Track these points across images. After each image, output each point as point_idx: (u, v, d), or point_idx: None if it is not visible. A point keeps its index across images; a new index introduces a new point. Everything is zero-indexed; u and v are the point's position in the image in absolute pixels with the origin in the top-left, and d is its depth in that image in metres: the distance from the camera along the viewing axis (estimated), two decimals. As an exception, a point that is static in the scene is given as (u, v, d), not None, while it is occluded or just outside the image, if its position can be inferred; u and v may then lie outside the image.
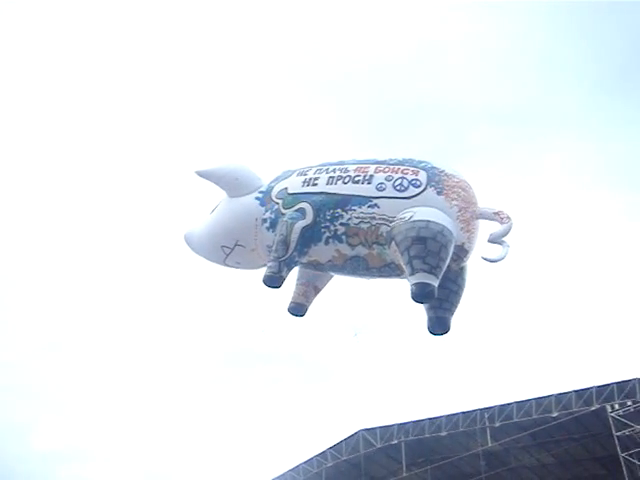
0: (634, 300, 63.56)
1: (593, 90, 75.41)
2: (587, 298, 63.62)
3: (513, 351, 61.79)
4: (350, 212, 12.52)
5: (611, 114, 71.72)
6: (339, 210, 12.63)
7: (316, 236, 12.83)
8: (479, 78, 70.67)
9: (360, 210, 12.44)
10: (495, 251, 12.20)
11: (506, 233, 12.20)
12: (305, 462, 38.52)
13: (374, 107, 76.77)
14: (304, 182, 13.32)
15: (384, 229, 12.21)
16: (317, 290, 14.12)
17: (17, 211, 72.23)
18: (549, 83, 72.01)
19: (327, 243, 12.78)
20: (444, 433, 34.94)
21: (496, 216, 12.35)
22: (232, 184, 13.89)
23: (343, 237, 12.60)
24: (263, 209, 13.48)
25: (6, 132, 70.87)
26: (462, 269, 12.78)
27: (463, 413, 34.89)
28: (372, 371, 18.07)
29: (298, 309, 13.99)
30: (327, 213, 12.77)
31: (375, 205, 12.35)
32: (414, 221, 11.90)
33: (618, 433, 30.59)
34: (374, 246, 12.41)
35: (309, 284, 14.05)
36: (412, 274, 11.87)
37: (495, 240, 12.22)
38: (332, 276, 13.91)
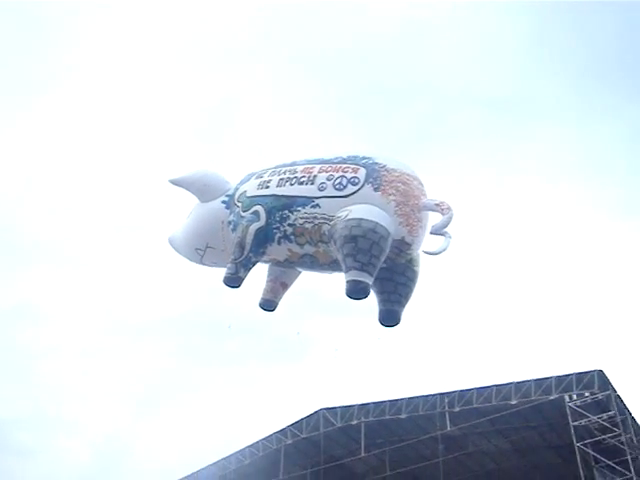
0: (601, 292, 64.18)
1: (578, 79, 75.27)
2: (554, 289, 64.07)
3: (476, 338, 61.93)
4: (295, 213, 12.96)
5: (594, 103, 71.74)
6: (286, 211, 13.10)
7: (269, 237, 13.36)
8: (463, 61, 70.01)
9: (304, 210, 12.87)
10: (438, 243, 12.40)
11: (447, 224, 12.31)
12: (264, 438, 38.48)
13: (357, 86, 75.98)
14: (259, 185, 13.89)
15: (325, 228, 12.58)
16: (285, 286, 14.73)
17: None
18: (533, 70, 71.70)
19: (279, 243, 13.31)
20: (404, 416, 35.07)
21: (437, 207, 12.46)
22: (201, 190, 14.68)
23: (292, 237, 13.10)
24: (228, 212, 14.16)
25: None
26: (410, 261, 13.00)
27: (424, 397, 35.10)
28: (337, 351, 19.17)
29: (267, 304, 14.72)
30: (276, 215, 13.24)
31: (317, 205, 12.74)
32: (348, 220, 12.19)
33: (575, 423, 30.89)
34: (319, 244, 12.83)
35: (277, 280, 14.67)
36: (345, 272, 12.31)
37: (437, 232, 12.41)
38: (299, 272, 14.46)
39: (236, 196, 14.21)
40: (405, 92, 77.76)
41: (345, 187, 12.59)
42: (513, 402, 32.69)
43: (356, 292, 12.23)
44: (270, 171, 13.96)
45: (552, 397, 31.90)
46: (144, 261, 64.43)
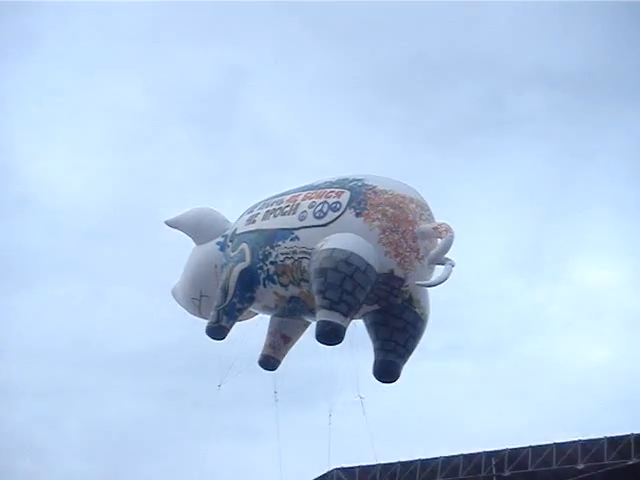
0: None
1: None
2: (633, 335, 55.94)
3: (534, 383, 48.42)
4: (276, 248, 12.48)
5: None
6: (268, 247, 12.64)
7: (255, 278, 12.87)
8: (530, 33, 56.95)
9: (284, 245, 12.36)
10: (438, 272, 11.64)
11: (446, 249, 11.30)
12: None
13: (403, 60, 62.10)
14: (248, 220, 13.59)
15: (305, 263, 11.99)
16: (287, 339, 14.05)
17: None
18: (616, 44, 58.44)
19: (265, 285, 12.79)
20: (440, 480, 30.11)
21: (435, 232, 11.60)
22: (195, 230, 14.48)
23: (275, 277, 12.59)
24: (222, 254, 13.77)
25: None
26: (409, 301, 12.07)
27: (464, 456, 30.58)
28: (359, 397, 14.72)
29: (266, 362, 13.99)
30: (259, 252, 12.79)
31: (296, 237, 12.24)
32: (320, 251, 11.62)
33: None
34: (302, 284, 12.19)
35: (276, 333, 14.02)
36: (316, 312, 11.76)
37: (436, 260, 11.44)
38: (304, 324, 13.61)
39: (229, 235, 13.87)
40: (455, 69, 62.82)
41: (325, 214, 11.95)
42: (580, 467, 28.09)
43: (324, 335, 11.44)
44: (261, 204, 13.63)
45: (631, 462, 27.34)
46: (119, 282, 55.55)
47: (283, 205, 12.75)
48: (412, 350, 12.05)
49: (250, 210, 13.63)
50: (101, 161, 63.51)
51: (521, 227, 56.76)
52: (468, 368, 46.76)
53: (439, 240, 11.46)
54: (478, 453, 30.29)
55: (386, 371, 12.02)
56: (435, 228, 11.48)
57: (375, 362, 12.06)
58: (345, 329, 11.35)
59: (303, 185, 13.05)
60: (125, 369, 48.39)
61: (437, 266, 11.61)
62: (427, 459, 31.36)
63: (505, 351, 51.94)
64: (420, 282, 11.46)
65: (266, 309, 13.39)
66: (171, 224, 14.75)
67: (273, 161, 57.08)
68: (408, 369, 12.74)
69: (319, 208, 12.01)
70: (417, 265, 11.41)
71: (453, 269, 11.13)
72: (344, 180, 12.33)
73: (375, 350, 12.09)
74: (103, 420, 47.08)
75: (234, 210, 15.39)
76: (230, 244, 13.41)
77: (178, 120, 63.70)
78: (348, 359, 13.19)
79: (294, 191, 13.01)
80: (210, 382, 15.63)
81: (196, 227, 14.23)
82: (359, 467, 32.07)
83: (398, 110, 59.24)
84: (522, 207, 57.93)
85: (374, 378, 12.14)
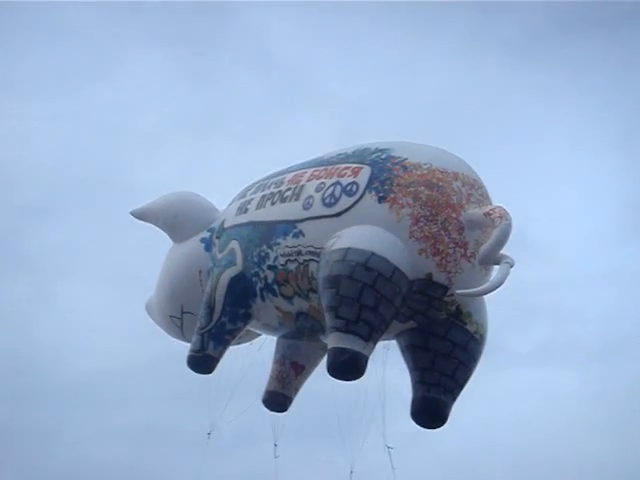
0: None
1: None
2: None
3: None
4: (275, 247, 10.36)
5: None
6: (264, 247, 10.50)
7: (250, 289, 10.66)
8: None
9: (285, 243, 10.22)
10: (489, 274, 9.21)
11: (501, 243, 8.76)
12: None
13: None
14: (239, 209, 11.40)
15: (313, 267, 9.71)
16: (299, 369, 11.83)
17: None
18: None
19: (263, 298, 10.64)
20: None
21: (487, 218, 8.97)
22: (171, 223, 12.06)
23: (275, 287, 10.43)
24: (209, 255, 11.52)
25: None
26: (457, 315, 9.62)
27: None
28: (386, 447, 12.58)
29: (272, 401, 11.84)
30: (254, 254, 10.63)
31: (300, 233, 10.03)
32: (331, 252, 9.32)
33: None
34: (311, 295, 9.95)
35: (284, 361, 11.94)
36: (328, 336, 9.29)
37: (487, 259, 8.93)
38: (323, 346, 10.61)
39: (216, 229, 11.69)
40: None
41: (337, 200, 9.76)
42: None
43: (338, 367, 9.11)
44: (257, 185, 11.48)
45: None
46: (70, 277, 38.16)
47: (283, 188, 10.54)
48: (464, 383, 9.89)
49: (242, 195, 11.40)
50: (38, 102, 42.07)
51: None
52: (573, 378, 32.76)
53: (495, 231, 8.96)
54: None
55: (428, 413, 9.79)
56: (487, 214, 9.01)
57: (414, 400, 9.87)
58: (367, 358, 9.22)
59: (309, 160, 10.81)
60: (82, 400, 33.32)
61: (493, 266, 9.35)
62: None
63: (628, 352, 34.03)
64: (463, 291, 9.02)
65: (268, 329, 11.32)
66: (139, 216, 12.34)
67: (281, 94, 42.08)
68: (484, 382, 10.51)
69: (330, 192, 9.83)
70: (465, 266, 9.13)
71: (511, 270, 8.77)
72: (363, 151, 10.04)
73: (413, 383, 9.92)
74: (52, 470, 31.72)
75: (226, 171, 11.81)
76: (217, 241, 11.23)
77: (147, 40, 44.04)
78: (378, 382, 11.16)
79: (298, 167, 10.80)
80: (200, 415, 12.76)
81: (172, 218, 11.85)
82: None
83: (463, 12, 39.78)
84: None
85: (414, 422, 9.93)
